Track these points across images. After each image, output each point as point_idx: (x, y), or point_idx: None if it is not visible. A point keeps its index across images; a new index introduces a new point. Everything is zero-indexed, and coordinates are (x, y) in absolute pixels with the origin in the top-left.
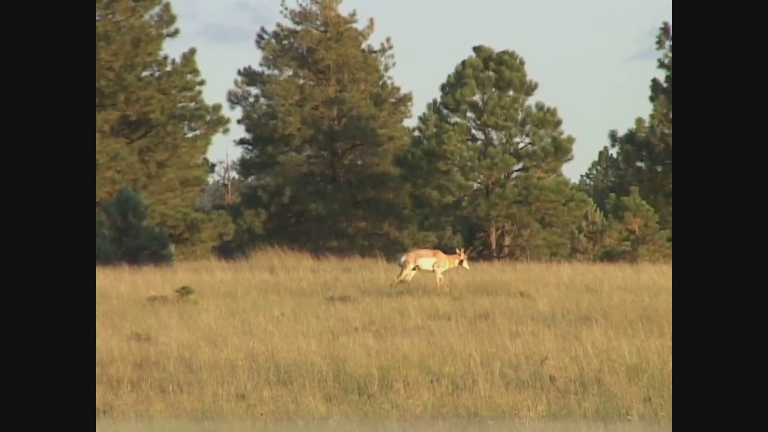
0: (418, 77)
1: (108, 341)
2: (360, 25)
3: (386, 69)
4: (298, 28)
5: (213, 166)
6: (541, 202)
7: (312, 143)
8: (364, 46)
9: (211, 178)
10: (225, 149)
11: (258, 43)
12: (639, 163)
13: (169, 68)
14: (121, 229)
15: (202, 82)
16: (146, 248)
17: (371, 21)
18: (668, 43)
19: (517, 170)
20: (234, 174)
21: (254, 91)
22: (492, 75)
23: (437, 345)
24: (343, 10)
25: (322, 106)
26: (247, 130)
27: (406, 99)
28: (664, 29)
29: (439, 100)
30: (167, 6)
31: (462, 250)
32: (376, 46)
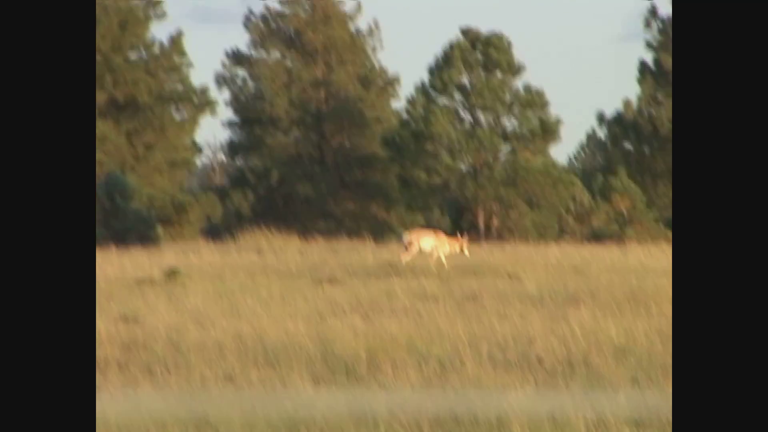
0: (406, 59)
1: (96, 323)
2: (348, 8)
3: (374, 51)
4: (286, 10)
5: (200, 148)
6: (529, 184)
7: (300, 125)
8: (351, 28)
9: (200, 161)
10: (213, 131)
11: (245, 25)
12: (626, 145)
13: (156, 50)
14: (108, 211)
15: (189, 64)
16: (134, 230)
17: (359, 3)
18: (656, 25)
19: (504, 152)
20: (222, 156)
21: (242, 73)
22: (479, 57)
23: (425, 326)
24: None
25: (309, 88)
26: (235, 112)
27: (393, 81)
28: (652, 11)
29: (426, 82)
30: None
31: (464, 237)
32: (364, 28)
